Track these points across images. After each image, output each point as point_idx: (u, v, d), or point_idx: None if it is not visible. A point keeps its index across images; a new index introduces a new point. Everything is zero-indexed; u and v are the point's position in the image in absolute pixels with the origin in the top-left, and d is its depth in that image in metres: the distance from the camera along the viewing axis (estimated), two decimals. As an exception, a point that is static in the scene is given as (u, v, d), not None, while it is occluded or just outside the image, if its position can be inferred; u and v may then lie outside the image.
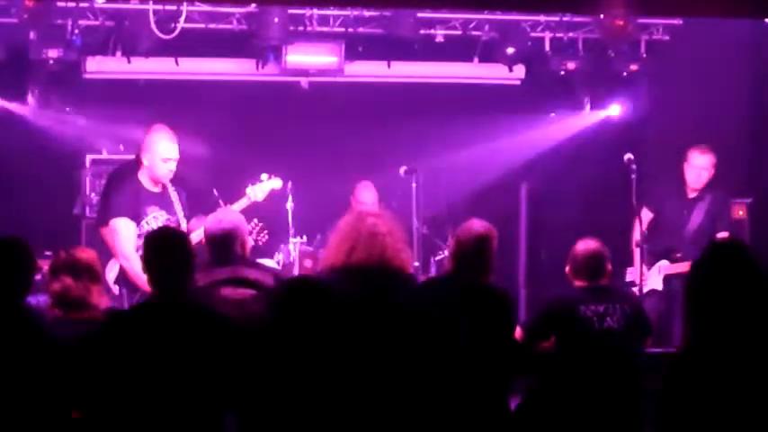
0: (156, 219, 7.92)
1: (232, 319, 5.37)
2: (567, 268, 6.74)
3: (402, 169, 9.46)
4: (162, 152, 7.93)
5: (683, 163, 9.18)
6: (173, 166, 7.97)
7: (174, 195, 8.08)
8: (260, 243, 8.51)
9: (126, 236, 7.79)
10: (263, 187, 8.52)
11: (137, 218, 7.85)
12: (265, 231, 8.52)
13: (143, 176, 8.01)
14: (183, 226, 8.00)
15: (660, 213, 9.19)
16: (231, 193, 8.70)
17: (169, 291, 5.20)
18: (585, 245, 6.90)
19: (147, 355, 5.02)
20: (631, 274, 8.98)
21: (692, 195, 9.22)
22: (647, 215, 9.20)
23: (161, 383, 5.00)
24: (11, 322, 5.03)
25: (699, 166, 9.15)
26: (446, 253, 9.44)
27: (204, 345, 5.07)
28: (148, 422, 4.99)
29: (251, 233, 8.37)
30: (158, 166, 7.93)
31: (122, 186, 8.00)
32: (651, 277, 8.92)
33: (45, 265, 6.22)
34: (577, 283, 6.67)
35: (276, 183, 8.63)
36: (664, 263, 8.82)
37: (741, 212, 10.51)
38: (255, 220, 8.39)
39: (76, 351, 5.14)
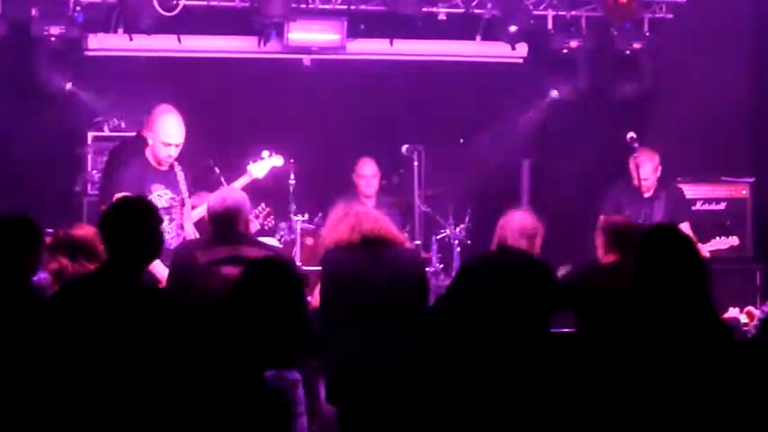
0: (160, 197, 7.92)
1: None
2: (599, 240, 6.69)
3: (404, 147, 9.45)
4: (162, 135, 7.92)
5: (631, 165, 9.17)
6: (173, 151, 7.95)
7: (180, 174, 8.07)
8: (266, 227, 8.55)
9: None
10: (264, 165, 8.53)
11: (141, 195, 7.83)
12: (272, 216, 8.54)
13: (149, 154, 8.00)
14: (188, 205, 8.00)
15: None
16: (233, 170, 8.71)
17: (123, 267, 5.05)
18: (621, 218, 6.89)
19: (92, 330, 4.89)
20: None
21: (647, 195, 9.26)
22: None
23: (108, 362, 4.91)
24: (18, 300, 5.03)
25: (646, 173, 9.22)
26: (447, 231, 9.47)
27: (152, 325, 4.98)
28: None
29: (258, 216, 8.41)
30: (159, 148, 7.93)
31: (128, 162, 7.99)
32: None
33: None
34: (608, 258, 6.61)
35: (277, 160, 8.63)
36: None
37: (744, 192, 10.51)
38: (263, 205, 8.41)
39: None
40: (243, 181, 8.35)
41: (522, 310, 6.24)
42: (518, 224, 6.57)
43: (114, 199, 7.59)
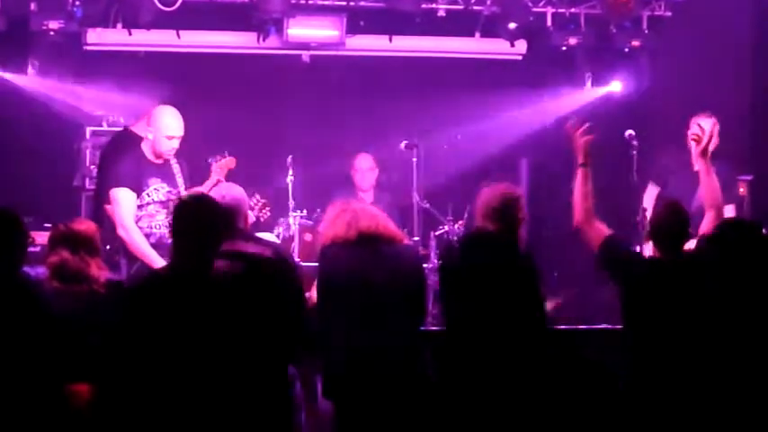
0: (157, 191, 7.93)
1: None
2: (649, 233, 6.29)
3: (402, 144, 9.46)
4: (165, 129, 7.93)
5: (687, 131, 9.07)
6: (176, 143, 7.97)
7: (176, 167, 8.08)
8: (261, 219, 8.52)
9: (126, 206, 7.79)
10: (222, 165, 8.49)
11: (138, 188, 7.85)
12: (268, 208, 8.52)
13: (146, 148, 8.01)
14: (185, 199, 8.01)
15: (666, 187, 9.08)
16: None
17: (194, 260, 5.18)
18: (671, 207, 6.61)
19: (173, 324, 5.01)
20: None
21: (697, 167, 9.14)
22: (653, 190, 9.13)
23: (187, 354, 5.01)
24: (5, 293, 5.03)
25: (708, 125, 9.03)
26: (446, 228, 9.47)
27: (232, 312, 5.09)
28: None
29: (253, 208, 8.38)
30: (162, 142, 7.94)
31: (124, 157, 8.01)
32: None
33: (44, 237, 6.22)
34: (654, 254, 6.27)
35: (230, 162, 8.58)
36: None
37: (742, 190, 10.49)
38: (258, 196, 8.40)
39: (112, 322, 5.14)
40: (212, 182, 8.29)
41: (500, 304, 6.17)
42: (483, 201, 6.30)
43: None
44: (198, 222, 5.20)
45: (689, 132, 8.99)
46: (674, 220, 6.19)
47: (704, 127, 8.62)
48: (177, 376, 4.97)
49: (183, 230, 5.22)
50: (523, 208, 6.40)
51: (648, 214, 8.71)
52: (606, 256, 6.21)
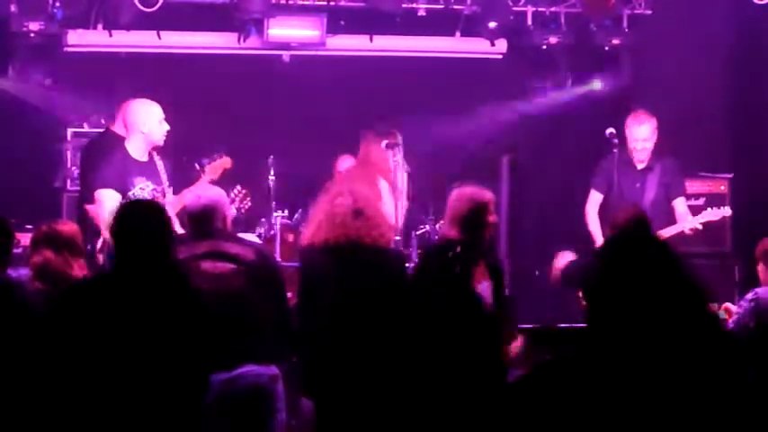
0: (142, 190, 7.94)
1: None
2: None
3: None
4: (155, 114, 8.01)
5: (625, 131, 9.13)
6: (167, 125, 8.01)
7: (159, 165, 8.10)
8: (242, 211, 8.51)
9: (111, 207, 7.76)
10: (217, 165, 8.51)
11: (124, 189, 7.84)
12: (248, 198, 8.51)
13: (131, 146, 8.02)
14: (169, 197, 8.01)
15: (611, 191, 9.11)
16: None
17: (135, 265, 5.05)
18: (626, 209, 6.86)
19: (99, 327, 4.88)
20: None
21: (641, 167, 9.19)
22: (596, 198, 9.18)
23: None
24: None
25: (639, 138, 9.10)
26: (427, 227, 9.48)
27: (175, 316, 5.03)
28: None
29: (234, 201, 8.37)
30: (157, 129, 7.99)
31: (108, 158, 8.00)
32: None
33: (26, 239, 6.22)
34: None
35: (226, 162, 8.59)
36: None
37: (723, 187, 10.53)
38: (239, 187, 8.40)
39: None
40: (202, 182, 8.29)
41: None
42: (451, 206, 6.54)
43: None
44: (140, 226, 5.05)
45: (626, 133, 9.07)
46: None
47: (641, 131, 8.78)
48: (103, 382, 4.86)
49: (123, 233, 5.07)
50: (491, 212, 6.49)
51: (590, 222, 8.88)
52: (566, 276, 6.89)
